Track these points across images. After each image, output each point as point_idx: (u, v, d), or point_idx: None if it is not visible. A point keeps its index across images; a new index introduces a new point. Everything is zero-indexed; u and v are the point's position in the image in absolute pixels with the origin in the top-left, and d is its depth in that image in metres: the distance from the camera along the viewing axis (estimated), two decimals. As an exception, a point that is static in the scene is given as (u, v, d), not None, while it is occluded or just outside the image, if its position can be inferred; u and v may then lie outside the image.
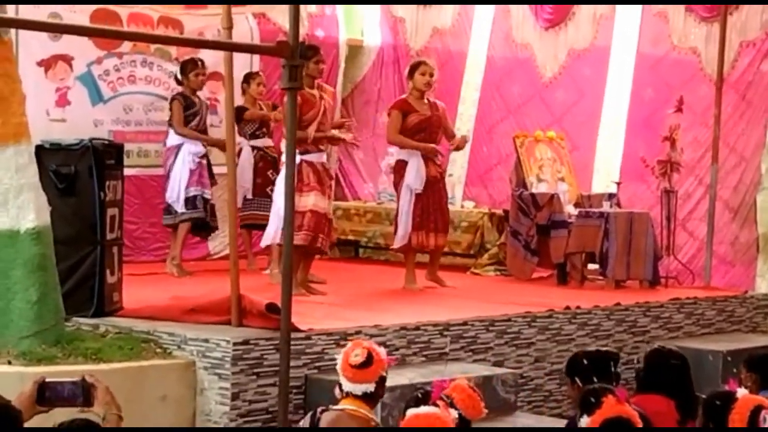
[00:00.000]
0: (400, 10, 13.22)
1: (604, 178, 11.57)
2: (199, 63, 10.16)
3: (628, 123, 11.74)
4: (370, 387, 5.03)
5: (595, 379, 5.11)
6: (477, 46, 12.78)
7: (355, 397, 5.00)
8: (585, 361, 5.42)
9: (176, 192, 10.02)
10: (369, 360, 4.98)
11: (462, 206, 12.16)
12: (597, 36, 12.04)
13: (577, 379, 5.31)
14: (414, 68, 9.83)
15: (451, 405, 4.49)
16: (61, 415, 3.64)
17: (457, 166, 12.73)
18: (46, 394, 3.71)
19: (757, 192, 10.93)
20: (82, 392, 3.72)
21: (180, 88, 10.25)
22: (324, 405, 5.09)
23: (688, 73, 11.40)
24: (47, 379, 3.75)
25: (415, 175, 9.61)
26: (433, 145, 9.75)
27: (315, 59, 9.18)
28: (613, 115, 11.85)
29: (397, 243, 9.76)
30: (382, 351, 5.10)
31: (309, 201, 8.95)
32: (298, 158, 8.85)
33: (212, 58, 10.38)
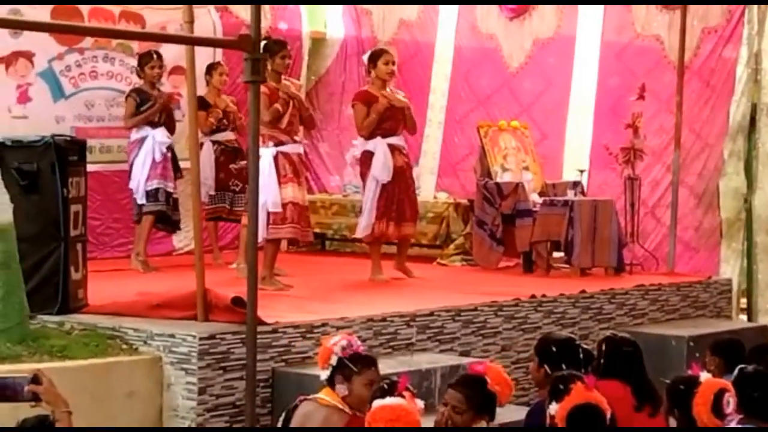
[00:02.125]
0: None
1: (574, 166, 11.61)
2: (154, 55, 10.11)
3: (595, 111, 11.80)
4: (325, 373, 5.07)
5: (564, 366, 5.16)
6: (444, 37, 12.81)
7: (327, 384, 5.08)
8: (553, 348, 5.45)
9: (136, 183, 9.98)
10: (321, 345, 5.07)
11: (435, 197, 12.19)
12: (561, 25, 12.08)
13: (546, 366, 5.35)
14: (376, 57, 9.78)
15: (483, 383, 4.49)
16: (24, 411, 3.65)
17: (429, 157, 12.76)
18: None
19: (720, 178, 11.01)
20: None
21: (141, 82, 10.21)
22: (291, 398, 5.12)
23: (652, 60, 11.46)
24: None
25: (382, 166, 9.60)
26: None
27: (281, 54, 9.17)
28: (581, 104, 11.91)
29: (360, 233, 9.77)
30: (337, 340, 5.10)
31: (288, 193, 8.95)
32: (273, 150, 8.92)
33: (175, 53, 10.35)
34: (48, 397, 3.69)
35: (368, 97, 9.69)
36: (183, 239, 11.14)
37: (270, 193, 8.73)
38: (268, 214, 8.78)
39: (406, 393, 4.35)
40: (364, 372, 5.08)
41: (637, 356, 5.79)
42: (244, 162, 10.19)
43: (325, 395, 5.16)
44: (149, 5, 11.10)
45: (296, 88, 9.75)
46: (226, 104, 10.62)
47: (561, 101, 12.02)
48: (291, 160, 9.09)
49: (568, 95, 12.00)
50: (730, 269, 10.85)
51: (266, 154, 8.67)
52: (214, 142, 10.52)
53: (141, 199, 9.98)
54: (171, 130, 10.18)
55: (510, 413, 7.19)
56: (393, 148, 9.68)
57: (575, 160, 11.76)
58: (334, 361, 5.09)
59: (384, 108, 9.57)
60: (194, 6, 7.49)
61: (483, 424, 4.54)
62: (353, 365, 5.06)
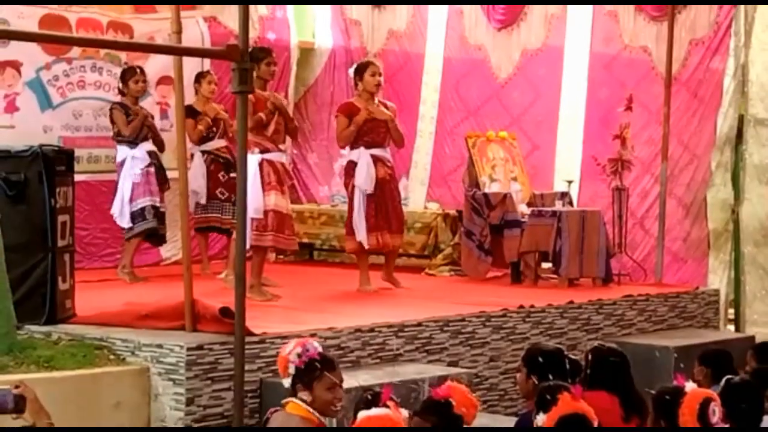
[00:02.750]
0: (354, 12, 13.25)
1: (565, 177, 11.64)
2: (138, 70, 10.09)
3: (585, 122, 11.83)
4: (287, 382, 5.04)
5: (551, 377, 5.16)
6: (433, 48, 12.85)
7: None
8: (541, 359, 5.46)
9: (119, 207, 9.96)
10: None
11: (425, 207, 12.20)
12: (549, 36, 12.12)
13: (533, 377, 5.35)
14: (363, 69, 9.79)
15: (448, 407, 4.50)
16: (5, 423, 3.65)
17: (419, 167, 12.79)
18: None
19: (708, 189, 11.04)
20: (13, 399, 3.73)
21: (122, 99, 10.16)
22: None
23: (640, 71, 11.51)
24: None
25: (365, 177, 9.59)
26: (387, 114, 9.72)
27: (266, 61, 9.17)
28: (571, 115, 11.94)
29: (350, 244, 9.76)
30: (293, 348, 5.07)
31: (270, 201, 8.96)
32: (259, 157, 8.92)
33: (162, 63, 10.34)
34: (31, 408, 3.69)
35: (351, 108, 9.69)
36: (170, 249, 11.12)
37: (253, 199, 8.73)
38: (251, 220, 8.77)
39: (390, 403, 4.34)
40: (324, 377, 5.02)
41: (624, 367, 5.80)
42: (234, 174, 10.19)
43: (292, 405, 5.09)
44: (139, 15, 11.10)
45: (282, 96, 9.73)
46: (216, 112, 10.57)
47: (551, 112, 12.05)
48: (275, 168, 9.09)
49: (558, 106, 12.03)
50: (718, 280, 10.88)
51: (252, 160, 8.66)
52: (204, 152, 10.49)
53: (126, 223, 9.94)
54: (158, 143, 10.16)
55: (498, 423, 7.22)
56: (376, 159, 9.67)
57: (566, 170, 11.79)
58: (292, 369, 5.04)
59: (363, 120, 9.58)
60: (182, 16, 7.49)
61: None
62: (311, 372, 5.01)
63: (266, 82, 9.26)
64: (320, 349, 5.06)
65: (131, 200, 9.91)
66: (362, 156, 9.62)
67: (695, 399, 4.60)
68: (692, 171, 11.15)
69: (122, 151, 10.01)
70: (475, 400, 4.71)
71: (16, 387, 3.76)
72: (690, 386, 4.68)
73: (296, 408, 4.97)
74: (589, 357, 5.80)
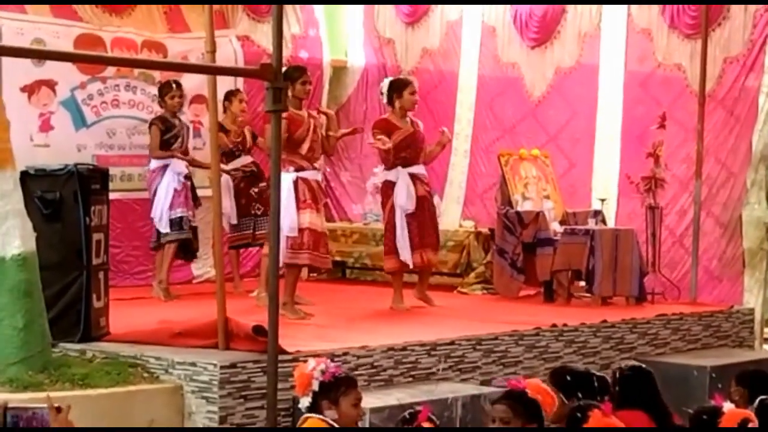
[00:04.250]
0: (387, 30, 13.28)
1: (601, 195, 11.60)
2: (174, 85, 10.14)
3: (622, 140, 11.78)
4: (307, 400, 5.01)
5: (580, 395, 5.14)
6: (467, 66, 12.84)
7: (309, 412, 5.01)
8: (568, 378, 5.43)
9: (159, 212, 10.00)
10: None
11: (461, 225, 12.19)
12: (583, 54, 12.09)
13: (562, 396, 5.32)
14: (402, 86, 9.79)
15: (524, 393, 4.50)
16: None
17: (455, 185, 12.77)
18: (8, 420, 3.75)
19: (743, 207, 10.98)
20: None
21: (162, 111, 10.25)
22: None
23: (676, 89, 11.45)
24: (10, 405, 3.79)
25: (405, 196, 9.60)
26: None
27: (301, 80, 9.19)
28: (607, 133, 11.89)
29: (390, 263, 9.73)
30: (316, 365, 5.04)
31: (305, 219, 8.96)
32: (294, 175, 8.94)
33: (196, 81, 10.39)
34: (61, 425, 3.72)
35: (387, 125, 9.70)
36: (201, 267, 11.16)
37: (288, 217, 8.74)
38: (286, 239, 8.79)
39: (426, 423, 4.33)
40: (350, 392, 5.02)
41: (651, 383, 5.76)
42: (264, 184, 10.22)
43: (313, 421, 5.04)
44: (173, 34, 11.17)
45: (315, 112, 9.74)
46: (240, 130, 10.58)
47: (588, 130, 12.01)
48: (310, 186, 9.10)
49: (594, 124, 11.99)
50: (753, 299, 10.79)
51: (286, 178, 8.67)
52: (233, 170, 10.47)
53: (165, 228, 9.99)
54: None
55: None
56: (414, 177, 9.70)
57: (603, 188, 11.75)
58: (315, 386, 5.02)
59: (403, 137, 9.60)
60: (216, 35, 7.52)
61: None
62: (338, 388, 4.99)
63: (301, 100, 9.28)
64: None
65: (170, 207, 9.94)
66: (401, 175, 9.62)
67: (733, 419, 4.58)
68: (729, 189, 11.09)
69: (163, 159, 10.05)
70: (551, 391, 4.70)
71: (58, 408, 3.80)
72: (728, 406, 4.65)
73: (317, 423, 4.94)
74: (616, 376, 5.76)
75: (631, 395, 5.62)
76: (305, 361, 5.16)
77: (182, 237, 10.02)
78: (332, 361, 6.83)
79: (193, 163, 10.23)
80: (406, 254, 9.57)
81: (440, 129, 10.11)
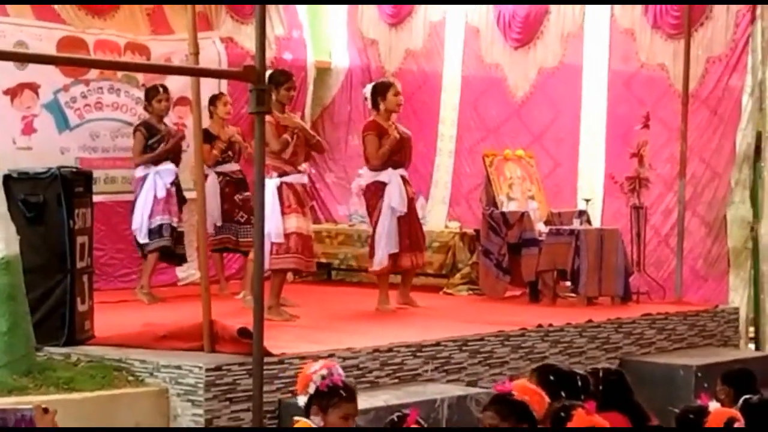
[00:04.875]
0: (371, 31, 13.27)
1: (586, 195, 11.62)
2: (161, 89, 10.12)
3: (606, 140, 11.81)
4: (302, 399, 4.98)
5: (563, 394, 5.13)
6: (451, 67, 12.85)
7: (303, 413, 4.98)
8: (552, 377, 5.41)
9: (139, 222, 9.98)
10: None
11: (446, 226, 12.19)
12: (566, 54, 12.11)
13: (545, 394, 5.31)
14: (385, 89, 9.81)
15: (510, 396, 4.51)
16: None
17: (440, 186, 12.77)
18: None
19: (727, 206, 11.00)
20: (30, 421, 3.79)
21: (148, 115, 10.22)
22: (297, 430, 5.06)
23: (659, 89, 11.49)
24: None
25: (399, 198, 9.60)
26: None
27: (286, 86, 9.19)
28: (591, 133, 11.92)
29: (377, 265, 9.72)
30: (318, 369, 5.01)
31: (292, 223, 8.96)
32: (277, 181, 8.93)
33: (180, 84, 10.37)
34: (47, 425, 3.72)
35: (379, 128, 9.70)
36: (186, 270, 11.13)
37: (273, 224, 8.73)
38: (272, 244, 8.79)
39: (416, 425, 4.32)
40: (342, 405, 4.93)
41: (626, 385, 5.75)
42: (248, 193, 10.20)
43: (302, 423, 5.03)
44: (156, 36, 11.15)
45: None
46: (231, 135, 10.61)
47: (572, 130, 12.03)
48: (295, 190, 9.09)
49: (579, 124, 12.01)
50: (738, 298, 10.82)
51: (270, 185, 8.66)
52: (218, 173, 10.50)
53: (144, 239, 9.96)
54: (177, 162, 10.20)
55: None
56: (404, 180, 9.72)
57: (588, 188, 11.78)
58: (311, 389, 4.99)
59: (396, 140, 9.61)
60: (199, 37, 7.50)
61: None
62: (330, 397, 4.96)
63: (284, 105, 9.27)
64: (344, 377, 5.01)
65: (150, 216, 9.92)
66: (393, 177, 9.62)
67: (720, 418, 4.58)
68: (714, 189, 11.11)
69: (145, 168, 10.02)
70: (538, 390, 4.69)
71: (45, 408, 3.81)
72: (713, 405, 4.66)
73: (305, 425, 4.92)
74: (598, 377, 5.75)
75: (609, 397, 5.62)
76: (315, 360, 5.12)
77: (161, 244, 9.97)
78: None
79: (169, 148, 10.12)
80: (382, 253, 9.56)
81: None
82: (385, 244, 9.59)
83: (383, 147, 9.58)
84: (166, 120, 10.32)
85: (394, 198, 9.59)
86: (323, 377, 4.95)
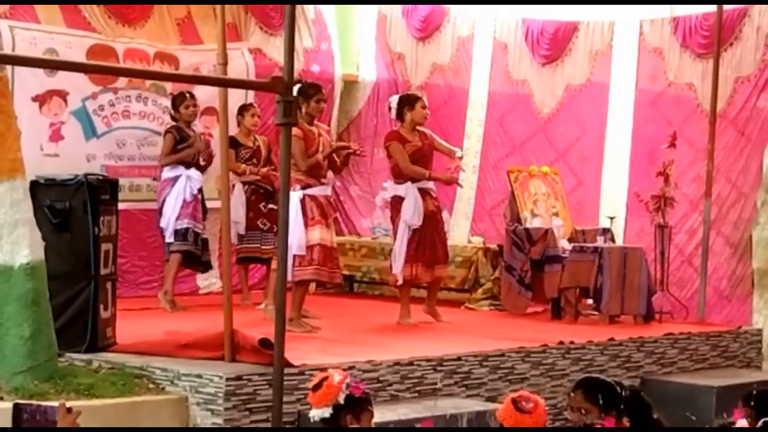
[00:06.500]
0: (398, 45, 13.31)
1: (609, 213, 11.61)
2: (188, 95, 10.18)
3: (631, 158, 11.81)
4: (327, 411, 4.96)
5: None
6: (478, 82, 12.88)
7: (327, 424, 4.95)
8: (599, 393, 5.36)
9: (166, 221, 10.02)
10: (320, 383, 4.95)
11: (469, 241, 12.19)
12: (593, 72, 12.11)
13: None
14: (413, 101, 9.84)
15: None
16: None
17: (464, 201, 12.77)
18: (24, 417, 3.81)
19: (753, 227, 10.96)
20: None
21: (174, 123, 10.28)
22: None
23: (686, 109, 11.48)
24: (21, 402, 3.84)
25: (412, 212, 9.61)
26: (450, 175, 9.84)
27: (316, 98, 9.19)
28: (617, 151, 11.92)
29: (395, 278, 9.74)
30: (343, 378, 5.00)
31: (315, 235, 8.97)
32: (300, 194, 8.95)
33: (208, 94, 10.41)
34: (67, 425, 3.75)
35: (400, 137, 9.73)
36: (206, 278, 11.16)
37: (296, 236, 8.74)
38: (294, 256, 8.80)
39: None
40: (371, 409, 4.99)
41: (642, 402, 5.72)
42: (273, 206, 10.21)
43: None
44: (185, 46, 11.20)
45: (325, 133, 9.79)
46: (257, 145, 10.64)
47: (597, 148, 12.03)
48: (318, 203, 9.10)
49: (604, 142, 12.01)
50: (762, 319, 10.77)
51: (293, 197, 8.66)
52: (244, 183, 10.54)
53: (169, 238, 10.01)
54: (203, 170, 10.26)
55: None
56: (423, 192, 9.71)
57: (611, 206, 11.77)
58: (342, 399, 4.98)
59: (412, 151, 9.63)
60: (228, 48, 7.54)
61: None
62: (362, 403, 4.95)
63: (314, 118, 9.29)
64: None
65: (177, 217, 9.96)
66: (409, 191, 9.64)
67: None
68: (739, 209, 11.09)
69: (176, 169, 10.08)
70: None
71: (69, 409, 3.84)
72: (741, 423, 4.65)
73: None
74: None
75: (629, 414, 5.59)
76: (325, 371, 5.11)
77: (185, 248, 10.02)
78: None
79: (195, 152, 10.18)
80: (396, 267, 9.58)
81: (456, 155, 10.10)
82: (398, 258, 9.60)
83: (415, 166, 9.56)
84: (193, 127, 10.37)
85: (406, 212, 9.60)
86: (349, 385, 4.96)
